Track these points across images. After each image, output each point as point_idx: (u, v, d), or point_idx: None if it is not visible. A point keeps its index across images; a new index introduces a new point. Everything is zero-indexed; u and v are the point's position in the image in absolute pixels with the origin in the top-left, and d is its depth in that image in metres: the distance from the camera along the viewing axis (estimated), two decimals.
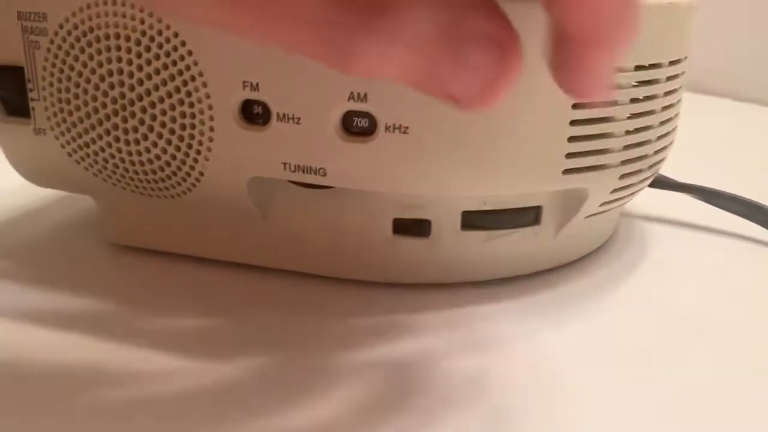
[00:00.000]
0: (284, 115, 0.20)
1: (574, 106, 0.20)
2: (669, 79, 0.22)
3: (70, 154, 0.23)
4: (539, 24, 0.18)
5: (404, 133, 0.19)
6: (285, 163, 0.20)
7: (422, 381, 0.18)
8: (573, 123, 0.20)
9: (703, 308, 0.22)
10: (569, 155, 0.20)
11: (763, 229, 0.27)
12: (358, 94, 0.19)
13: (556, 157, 0.20)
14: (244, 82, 0.20)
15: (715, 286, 0.24)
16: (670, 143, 0.24)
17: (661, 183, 0.30)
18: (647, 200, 0.31)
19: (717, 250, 0.27)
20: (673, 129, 0.24)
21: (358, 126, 0.19)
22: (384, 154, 0.19)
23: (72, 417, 0.16)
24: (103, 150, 0.22)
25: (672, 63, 0.22)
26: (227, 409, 0.17)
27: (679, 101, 0.24)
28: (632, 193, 0.24)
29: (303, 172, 0.20)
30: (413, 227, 0.22)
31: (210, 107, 0.20)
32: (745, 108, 0.54)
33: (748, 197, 0.28)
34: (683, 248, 0.27)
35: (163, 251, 0.24)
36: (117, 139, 0.21)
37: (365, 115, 0.19)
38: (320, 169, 0.20)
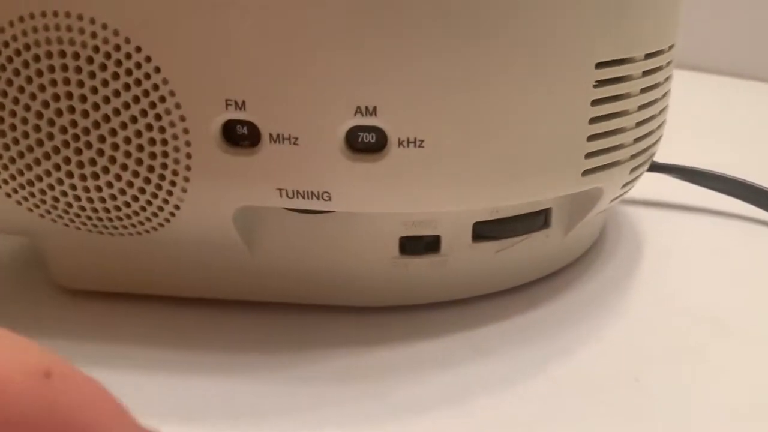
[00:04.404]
0: (278, 135, 0.17)
1: (593, 103, 0.18)
2: (668, 64, 0.21)
3: (9, 195, 0.19)
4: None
5: (420, 146, 0.17)
6: (281, 189, 0.18)
7: (454, 407, 0.16)
8: (592, 121, 0.18)
9: (718, 299, 0.22)
10: (588, 155, 0.19)
11: (748, 204, 0.27)
12: (367, 107, 0.16)
13: (576, 159, 0.19)
14: (227, 100, 0.17)
15: (723, 272, 0.23)
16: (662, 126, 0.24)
17: None
18: None
19: (711, 231, 0.26)
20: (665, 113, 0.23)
21: (363, 142, 0.17)
22: (397, 172, 0.17)
23: None
24: (51, 188, 0.18)
25: (670, 48, 0.21)
26: None
27: (670, 86, 0.23)
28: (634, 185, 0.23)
29: (303, 197, 0.18)
30: (422, 245, 0.20)
31: (186, 131, 0.17)
32: (707, 79, 0.54)
33: (728, 174, 0.27)
34: (677, 232, 0.26)
35: (126, 293, 0.21)
36: (69, 175, 0.18)
37: (373, 129, 0.17)
38: (324, 193, 0.18)
